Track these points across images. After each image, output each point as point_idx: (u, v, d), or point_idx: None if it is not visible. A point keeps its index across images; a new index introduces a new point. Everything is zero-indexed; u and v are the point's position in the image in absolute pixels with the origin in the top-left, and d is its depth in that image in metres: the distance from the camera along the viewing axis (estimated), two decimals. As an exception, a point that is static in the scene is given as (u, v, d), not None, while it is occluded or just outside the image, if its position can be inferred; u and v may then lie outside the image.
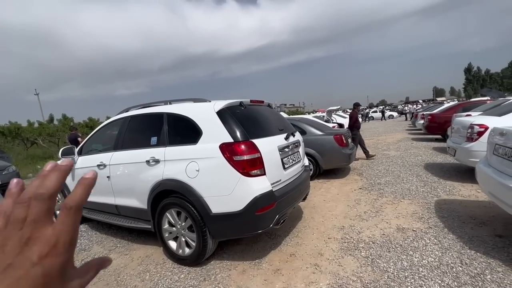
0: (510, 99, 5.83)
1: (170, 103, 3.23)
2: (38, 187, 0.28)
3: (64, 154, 3.81)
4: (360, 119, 7.88)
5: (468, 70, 70.44)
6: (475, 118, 4.86)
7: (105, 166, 3.31)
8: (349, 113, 8.32)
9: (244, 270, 2.56)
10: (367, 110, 39.89)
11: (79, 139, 8.69)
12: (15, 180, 0.30)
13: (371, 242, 2.87)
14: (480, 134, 4.31)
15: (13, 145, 17.71)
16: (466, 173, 5.04)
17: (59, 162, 0.31)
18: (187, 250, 2.71)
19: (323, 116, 11.16)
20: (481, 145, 4.21)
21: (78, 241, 3.59)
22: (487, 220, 3.11)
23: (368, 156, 7.44)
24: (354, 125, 7.49)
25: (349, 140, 6.12)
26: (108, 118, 3.84)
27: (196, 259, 2.65)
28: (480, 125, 4.36)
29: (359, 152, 7.61)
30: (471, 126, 4.46)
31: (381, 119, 31.01)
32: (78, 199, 0.28)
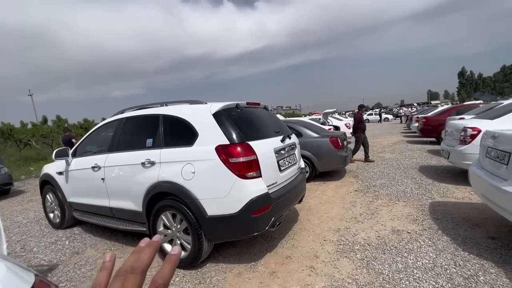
0: (503, 103, 5.94)
1: (166, 105, 3.22)
2: (135, 262, 0.31)
3: (58, 155, 3.76)
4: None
5: (461, 74, 71.65)
6: (468, 121, 4.94)
7: (99, 168, 3.28)
8: (353, 115, 8.21)
9: (240, 273, 2.55)
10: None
11: (74, 140, 8.59)
12: (109, 254, 0.33)
13: (366, 244, 2.88)
14: (473, 137, 4.38)
15: (6, 147, 17.41)
16: (460, 176, 5.10)
17: (154, 238, 0.34)
18: (182, 253, 2.68)
19: (319, 119, 11.22)
20: (474, 148, 4.27)
21: (71, 244, 3.55)
22: (480, 222, 3.15)
23: (366, 159, 7.44)
24: (358, 126, 7.37)
25: (345, 143, 6.16)
26: (103, 119, 3.82)
27: (191, 262, 2.63)
28: (473, 128, 4.43)
29: (359, 155, 7.66)
30: (464, 129, 4.52)
31: (379, 122, 31.36)
32: (166, 276, 0.30)
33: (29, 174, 10.12)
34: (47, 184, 4.18)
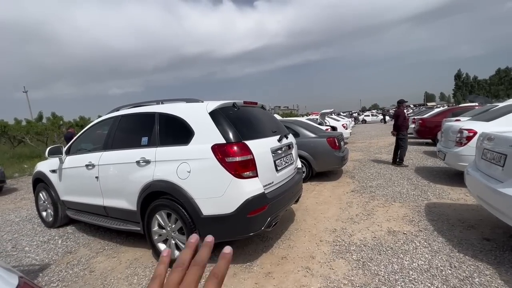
0: (498, 105, 5.99)
1: (162, 103, 3.18)
2: (197, 256, 0.35)
3: (51, 153, 3.70)
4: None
5: (457, 76, 72.26)
6: (464, 123, 4.96)
7: (93, 166, 3.23)
8: (394, 112, 7.08)
9: (235, 273, 2.53)
10: (355, 114, 41.40)
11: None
12: (166, 250, 0.37)
13: (362, 245, 2.87)
14: (469, 138, 4.40)
15: (-1, 144, 17.18)
16: (455, 177, 5.13)
17: (207, 238, 0.37)
18: (177, 253, 2.65)
19: (317, 119, 11.23)
20: (469, 150, 4.29)
21: (64, 243, 3.49)
22: (475, 224, 3.16)
23: (400, 163, 6.58)
24: (402, 124, 6.58)
25: (342, 143, 6.16)
26: (99, 117, 3.76)
27: (186, 262, 2.59)
28: (469, 130, 4.45)
29: (384, 156, 7.08)
30: (460, 131, 4.55)
31: (382, 122, 31.64)
32: (223, 270, 0.34)
33: (22, 171, 9.97)
34: (40, 182, 4.11)
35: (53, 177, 3.87)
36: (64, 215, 3.89)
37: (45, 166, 4.06)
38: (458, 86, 71.38)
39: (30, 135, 15.66)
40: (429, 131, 9.81)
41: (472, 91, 65.85)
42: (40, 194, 4.16)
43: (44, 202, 4.14)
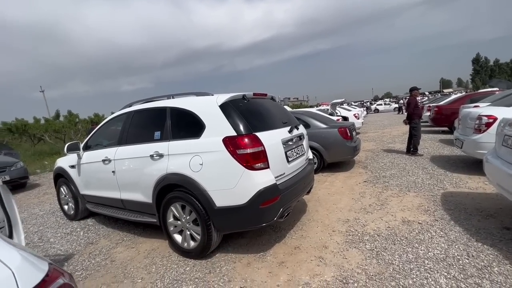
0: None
1: (173, 97, 3.22)
2: None
3: (70, 149, 3.85)
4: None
5: (476, 60, 68.80)
6: (484, 109, 4.75)
7: (110, 161, 3.34)
8: (407, 100, 6.84)
9: (249, 263, 2.58)
10: (367, 103, 40.02)
11: None
12: None
13: (376, 235, 2.86)
14: (488, 125, 4.22)
15: (21, 142, 17.98)
16: (473, 165, 4.96)
17: None
18: (192, 243, 2.73)
19: (327, 110, 11.06)
20: (489, 137, 4.12)
21: (86, 234, 3.67)
22: (494, 213, 3.07)
23: (414, 152, 6.45)
24: (414, 112, 6.39)
25: (354, 133, 6.06)
26: (112, 113, 3.86)
27: (201, 252, 2.67)
28: (489, 116, 4.27)
29: (398, 146, 6.86)
30: (479, 117, 4.36)
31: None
32: None
33: (43, 168, 10.45)
34: (61, 177, 4.30)
35: (72, 172, 4.03)
36: (85, 208, 4.08)
37: (64, 162, 4.24)
38: (477, 71, 68.04)
39: (49, 133, 16.30)
40: (446, 119, 9.47)
41: (493, 75, 62.60)
42: (61, 189, 4.36)
43: (65, 196, 4.34)
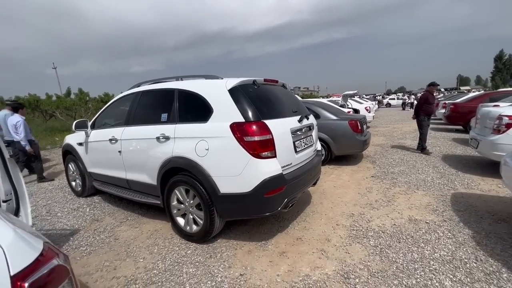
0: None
1: (182, 79, 3.15)
2: None
3: (78, 127, 3.86)
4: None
5: (499, 57, 65.48)
6: (505, 109, 4.51)
7: (116, 140, 3.33)
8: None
9: (250, 250, 2.58)
10: (379, 97, 38.81)
11: None
12: None
13: (381, 232, 2.80)
14: (508, 126, 4.02)
15: (33, 117, 18.37)
16: (487, 167, 4.79)
17: None
18: (194, 227, 2.74)
19: (338, 101, 10.78)
20: (508, 138, 3.94)
21: (91, 211, 3.73)
22: (507, 217, 2.96)
23: (420, 148, 6.33)
24: (421, 108, 6.14)
25: (365, 127, 5.89)
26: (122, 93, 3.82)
27: (203, 237, 2.68)
28: (510, 117, 4.05)
29: (408, 142, 6.72)
30: (500, 117, 4.15)
31: (403, 109, 25.45)
32: None
33: (54, 144, 10.66)
34: (69, 154, 4.35)
35: (80, 150, 4.07)
36: (91, 186, 4.14)
37: (73, 139, 4.27)
38: (499, 69, 64.94)
39: (60, 109, 16.54)
40: (461, 117, 9.10)
41: (515, 74, 59.73)
42: (69, 165, 4.43)
43: (73, 173, 4.40)
